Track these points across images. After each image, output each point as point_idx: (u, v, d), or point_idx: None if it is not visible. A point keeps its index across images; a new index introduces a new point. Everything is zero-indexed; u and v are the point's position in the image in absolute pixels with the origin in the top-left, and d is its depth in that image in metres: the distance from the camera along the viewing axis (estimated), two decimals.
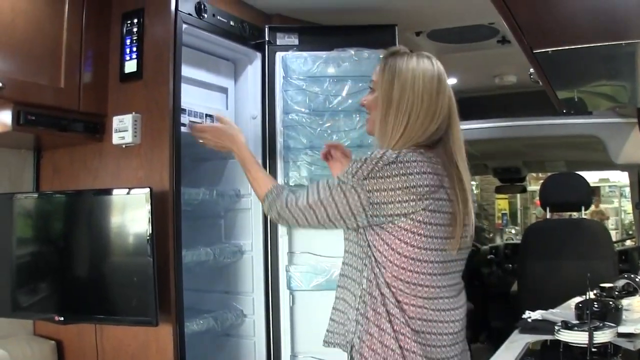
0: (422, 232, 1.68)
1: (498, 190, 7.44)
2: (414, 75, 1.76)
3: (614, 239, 5.79)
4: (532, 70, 2.20)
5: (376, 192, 1.67)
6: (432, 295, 1.73)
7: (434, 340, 1.72)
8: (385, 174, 1.66)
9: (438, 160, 1.75)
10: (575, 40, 1.79)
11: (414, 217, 1.67)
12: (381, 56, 1.91)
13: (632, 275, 2.87)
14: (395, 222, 1.69)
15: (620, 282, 2.80)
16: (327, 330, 1.89)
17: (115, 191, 2.40)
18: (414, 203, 1.66)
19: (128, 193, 2.35)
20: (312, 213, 1.77)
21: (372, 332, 1.71)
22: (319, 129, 2.87)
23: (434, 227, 1.69)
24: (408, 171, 1.66)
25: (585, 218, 4.34)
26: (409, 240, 1.68)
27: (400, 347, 1.68)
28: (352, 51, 2.90)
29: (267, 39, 2.92)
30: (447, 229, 1.72)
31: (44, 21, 2.33)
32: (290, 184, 2.87)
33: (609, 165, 4.82)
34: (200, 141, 2.33)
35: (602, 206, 10.45)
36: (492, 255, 6.33)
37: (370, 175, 1.67)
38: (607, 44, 1.81)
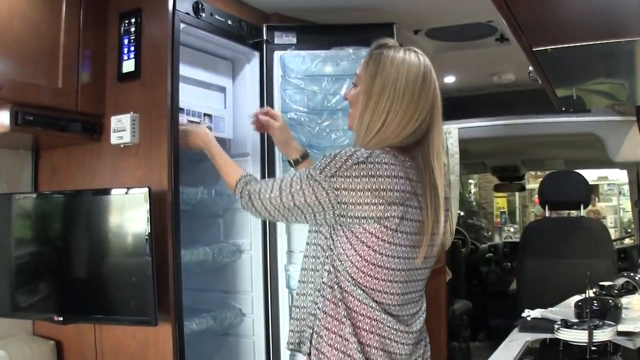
0: (387, 239, 1.61)
1: (497, 188, 7.44)
2: (398, 71, 1.67)
3: (613, 237, 5.80)
4: (531, 68, 2.20)
5: (344, 190, 1.59)
6: (391, 302, 1.67)
7: (393, 346, 1.67)
8: (353, 174, 1.59)
9: (412, 165, 1.67)
10: (575, 38, 1.78)
11: (382, 222, 1.60)
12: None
13: (632, 274, 2.87)
14: (363, 224, 1.61)
15: (620, 281, 2.79)
16: (290, 331, 1.83)
17: (113, 191, 2.40)
18: (382, 207, 1.58)
19: (126, 193, 2.35)
20: (280, 202, 1.70)
21: (330, 327, 1.65)
22: (317, 128, 2.86)
23: (401, 234, 1.62)
24: (378, 173, 1.59)
25: (584, 216, 4.34)
26: (372, 245, 1.61)
27: (360, 342, 1.63)
28: (350, 50, 2.89)
29: (265, 37, 2.92)
30: (415, 237, 1.65)
31: (41, 22, 2.33)
32: None
33: (608, 163, 4.82)
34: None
35: (601, 204, 10.44)
36: (491, 254, 6.36)
37: (337, 174, 1.60)
38: (606, 42, 1.81)
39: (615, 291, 2.65)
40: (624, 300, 2.53)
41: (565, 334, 2.06)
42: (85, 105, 2.49)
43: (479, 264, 6.24)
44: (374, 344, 1.64)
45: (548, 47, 1.83)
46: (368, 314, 1.64)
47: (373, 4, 2.97)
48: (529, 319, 2.50)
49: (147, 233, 2.26)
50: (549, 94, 2.54)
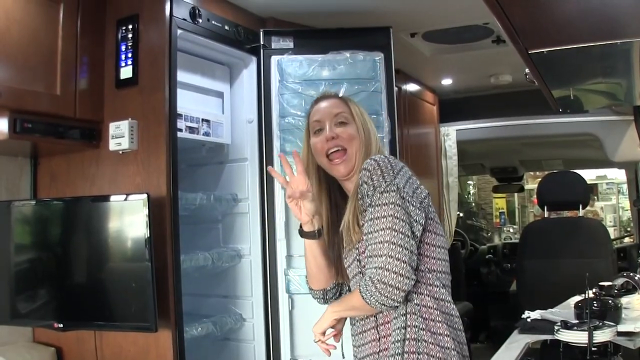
0: (433, 230, 1.75)
1: (495, 189, 7.44)
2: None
3: (612, 236, 5.80)
4: (527, 70, 2.20)
5: (406, 186, 1.69)
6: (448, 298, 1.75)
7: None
8: (400, 166, 1.73)
9: None
10: (571, 40, 1.79)
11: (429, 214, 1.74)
12: (336, 98, 2.01)
13: (631, 274, 2.87)
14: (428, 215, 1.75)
15: (619, 281, 2.79)
16: None
17: (112, 197, 2.40)
18: (423, 187, 1.76)
19: (126, 199, 2.35)
20: (394, 251, 1.61)
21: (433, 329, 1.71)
22: None
23: (438, 236, 1.77)
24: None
25: (583, 216, 4.34)
26: (425, 239, 1.74)
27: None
28: (347, 54, 2.90)
29: (262, 42, 2.92)
30: (440, 225, 1.81)
31: (38, 29, 2.33)
32: None
33: (606, 163, 4.83)
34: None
35: (600, 203, 10.42)
36: (490, 255, 6.35)
37: (396, 174, 1.70)
38: (602, 43, 1.81)
39: (615, 291, 2.65)
40: (624, 300, 2.53)
41: (566, 335, 2.06)
42: (83, 112, 2.49)
43: (479, 265, 6.24)
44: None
45: (544, 50, 1.83)
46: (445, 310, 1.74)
47: (369, 7, 2.98)
48: (529, 320, 2.51)
49: (146, 239, 2.26)
50: (546, 96, 2.54)
